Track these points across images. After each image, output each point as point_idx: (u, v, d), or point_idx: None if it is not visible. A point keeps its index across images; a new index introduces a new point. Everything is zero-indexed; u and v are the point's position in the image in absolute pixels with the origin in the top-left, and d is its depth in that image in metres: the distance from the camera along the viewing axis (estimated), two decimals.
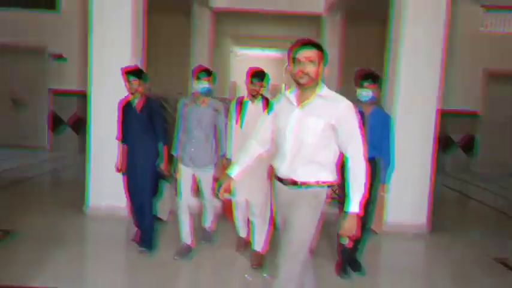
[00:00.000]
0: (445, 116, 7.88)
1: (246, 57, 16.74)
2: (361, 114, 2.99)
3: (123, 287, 2.93)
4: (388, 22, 4.67)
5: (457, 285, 3.19)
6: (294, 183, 2.07)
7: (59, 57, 7.86)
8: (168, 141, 3.49)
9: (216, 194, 2.30)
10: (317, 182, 2.05)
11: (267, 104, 3.24)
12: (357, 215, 1.97)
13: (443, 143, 8.26)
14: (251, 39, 12.35)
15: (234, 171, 2.24)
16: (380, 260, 3.81)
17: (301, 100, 2.06)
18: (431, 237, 4.28)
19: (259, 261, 3.30)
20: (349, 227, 1.97)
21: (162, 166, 3.44)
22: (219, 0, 8.56)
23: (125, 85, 3.34)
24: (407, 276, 3.40)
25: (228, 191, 2.24)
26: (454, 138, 8.26)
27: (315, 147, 2.02)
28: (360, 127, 2.93)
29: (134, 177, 3.43)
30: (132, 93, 3.35)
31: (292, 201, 2.10)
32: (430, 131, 4.39)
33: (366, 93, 3.10)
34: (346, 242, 2.09)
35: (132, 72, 3.32)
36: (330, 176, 2.09)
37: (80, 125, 8.04)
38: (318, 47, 2.01)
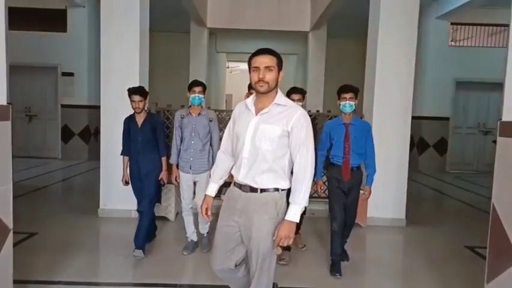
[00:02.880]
0: (420, 121, 8.18)
1: (239, 71, 16.87)
2: (345, 126, 3.12)
3: (136, 279, 3.02)
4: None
5: (431, 270, 3.33)
6: (253, 189, 1.93)
7: (69, 74, 7.97)
8: (169, 152, 3.52)
9: None
10: (276, 189, 1.93)
11: None
12: (295, 223, 1.86)
13: (417, 145, 8.50)
14: (245, 54, 12.47)
15: (211, 190, 2.14)
16: (365, 250, 3.97)
17: (259, 108, 1.94)
18: (409, 229, 4.45)
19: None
20: (286, 234, 1.84)
21: (162, 175, 3.47)
22: (215, 20, 8.73)
23: (130, 103, 3.36)
24: (388, 263, 3.57)
25: (208, 210, 2.11)
26: (428, 141, 8.48)
27: (272, 155, 1.89)
28: (346, 139, 3.10)
29: (139, 186, 3.46)
30: (136, 112, 3.39)
31: (250, 209, 1.94)
32: (405, 136, 4.55)
33: (349, 105, 3.11)
34: (279, 251, 1.94)
35: (136, 91, 3.35)
36: (287, 183, 1.96)
37: (89, 135, 8.16)
38: (275, 54, 1.91)
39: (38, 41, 7.79)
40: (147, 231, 3.43)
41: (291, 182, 1.96)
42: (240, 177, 1.95)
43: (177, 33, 9.90)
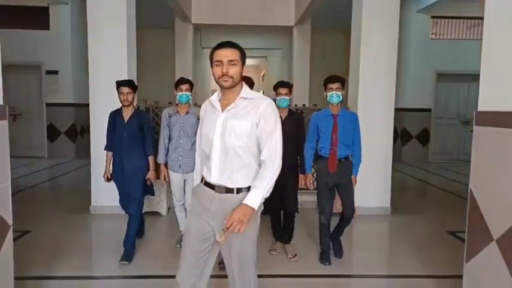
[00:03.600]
0: (403, 113, 8.40)
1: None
2: (333, 117, 3.13)
3: (130, 273, 3.08)
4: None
5: (415, 254, 3.51)
6: (228, 190, 1.82)
7: (54, 72, 7.90)
8: (155, 151, 3.44)
9: None
10: (249, 187, 1.81)
11: None
12: (252, 209, 1.74)
13: (401, 136, 8.74)
14: None
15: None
16: (352, 237, 4.12)
17: (225, 104, 1.85)
18: (394, 217, 4.63)
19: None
20: (240, 218, 1.70)
21: (149, 175, 3.33)
22: (200, 16, 8.74)
23: (118, 96, 3.25)
24: (375, 249, 3.74)
25: None
26: (411, 132, 8.72)
27: (244, 150, 1.80)
28: (334, 130, 3.09)
29: (122, 185, 3.34)
30: (124, 105, 3.26)
31: (226, 211, 1.77)
32: (389, 127, 4.72)
33: (337, 95, 3.08)
34: (222, 238, 1.74)
35: (125, 83, 3.25)
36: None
37: (75, 133, 8.12)
38: (238, 47, 1.82)
39: (21, 39, 7.68)
40: (136, 232, 3.40)
41: None
42: (213, 178, 1.83)
43: (162, 29, 9.86)
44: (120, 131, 3.27)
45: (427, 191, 6.51)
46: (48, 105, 8.02)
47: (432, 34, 8.64)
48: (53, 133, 8.12)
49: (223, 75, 1.77)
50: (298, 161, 3.38)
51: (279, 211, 3.52)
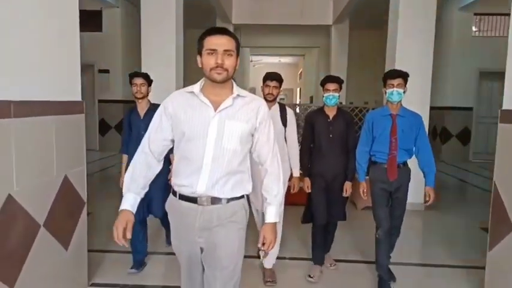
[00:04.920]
0: (443, 111, 8.36)
1: (262, 64, 17.22)
2: (391, 117, 2.72)
3: None
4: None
5: (445, 246, 3.67)
6: (216, 200, 1.58)
7: (105, 71, 8.58)
8: None
9: None
10: (242, 195, 1.66)
11: (283, 110, 2.96)
12: (276, 223, 1.66)
13: (440, 134, 8.69)
14: (267, 48, 12.86)
15: (132, 203, 1.63)
16: None
17: (214, 101, 1.57)
18: (427, 213, 4.76)
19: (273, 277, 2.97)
20: (270, 237, 1.62)
21: (172, 175, 3.09)
22: (240, 16, 9.13)
23: (132, 90, 3.06)
24: (407, 241, 3.91)
25: (128, 232, 1.60)
26: (451, 131, 8.64)
27: (240, 155, 1.59)
28: (392, 132, 2.66)
29: None
30: (137, 97, 3.05)
31: (213, 224, 1.60)
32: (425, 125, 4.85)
33: (397, 93, 2.67)
34: (263, 255, 1.69)
35: (138, 74, 3.08)
36: (251, 185, 1.70)
37: None
38: (234, 36, 1.57)
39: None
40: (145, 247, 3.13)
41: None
42: (201, 189, 1.55)
43: (203, 30, 10.32)
44: (137, 129, 3.00)
45: (464, 190, 6.52)
46: (100, 101, 8.72)
47: (476, 31, 8.51)
48: (104, 127, 8.81)
49: (217, 66, 1.51)
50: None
51: (326, 228, 3.10)
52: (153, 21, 4.89)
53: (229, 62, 1.53)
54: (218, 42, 1.52)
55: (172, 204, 1.70)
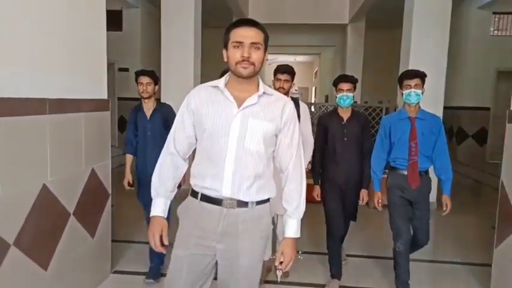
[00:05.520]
0: (459, 111, 8.33)
1: (278, 63, 17.26)
2: (410, 120, 2.57)
3: None
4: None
5: (455, 243, 3.74)
6: (242, 203, 1.49)
7: (125, 70, 8.84)
8: None
9: None
10: (268, 199, 1.56)
11: (297, 105, 2.76)
12: (297, 239, 1.55)
13: (456, 134, 8.65)
14: (283, 47, 12.94)
15: (163, 209, 1.58)
16: None
17: (239, 97, 1.48)
18: (438, 212, 4.79)
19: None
20: (290, 254, 1.51)
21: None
22: (256, 15, 9.22)
23: (138, 90, 2.96)
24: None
25: (165, 239, 1.55)
26: (467, 131, 8.60)
27: (263, 157, 1.50)
28: (412, 136, 2.51)
29: (147, 193, 2.91)
30: (143, 97, 2.94)
31: (239, 230, 1.50)
32: None
33: (415, 93, 2.52)
34: (280, 275, 1.52)
35: (145, 73, 2.96)
36: (275, 188, 1.59)
37: None
38: (262, 28, 1.47)
39: None
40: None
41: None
42: (226, 191, 1.47)
43: (220, 29, 10.50)
44: (143, 129, 2.92)
45: (479, 191, 6.52)
46: (119, 99, 8.98)
47: (495, 30, 8.43)
48: (123, 124, 9.07)
49: (243, 60, 1.42)
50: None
51: (343, 238, 3.03)
52: (173, 21, 5.09)
53: (256, 56, 1.43)
54: (245, 35, 1.42)
55: (189, 206, 1.57)
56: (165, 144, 1.62)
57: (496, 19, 8.41)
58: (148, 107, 2.96)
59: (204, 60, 5.59)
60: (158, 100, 3.08)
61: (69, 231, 2.36)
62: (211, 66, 10.66)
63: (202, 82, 4.73)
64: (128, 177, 3.02)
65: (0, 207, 1.82)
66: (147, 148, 2.90)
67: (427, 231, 2.66)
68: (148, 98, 2.93)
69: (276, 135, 1.53)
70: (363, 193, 2.82)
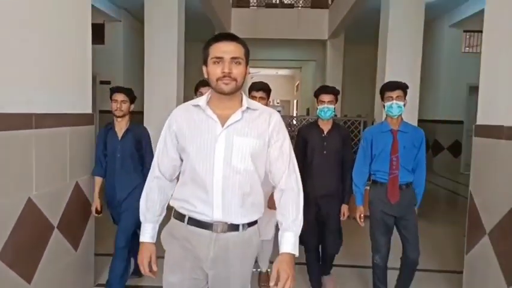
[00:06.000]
0: (434, 124, 8.65)
1: (259, 76, 17.54)
2: (392, 133, 2.53)
3: None
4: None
5: (431, 251, 3.89)
6: (233, 227, 1.44)
7: (107, 83, 8.83)
8: None
9: None
10: (256, 220, 1.51)
11: None
12: (294, 256, 1.42)
13: (432, 147, 8.96)
14: (265, 61, 13.17)
15: (151, 235, 1.56)
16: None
17: (221, 114, 1.43)
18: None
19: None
20: (287, 272, 1.35)
21: None
22: (238, 30, 9.43)
23: (111, 107, 2.78)
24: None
25: (154, 264, 1.54)
26: (442, 143, 8.92)
27: (252, 176, 1.45)
28: (393, 150, 2.46)
29: (117, 212, 2.77)
30: (116, 115, 2.75)
31: (230, 255, 1.46)
32: None
33: (397, 106, 2.48)
34: None
35: (120, 89, 2.79)
36: (263, 207, 1.55)
37: None
38: (242, 42, 1.43)
39: None
40: (124, 273, 2.79)
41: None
42: (217, 215, 1.42)
43: (201, 43, 10.62)
44: (113, 149, 2.73)
45: (455, 201, 6.77)
46: (101, 112, 8.94)
47: (466, 47, 8.85)
48: None
49: (224, 76, 1.38)
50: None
51: (317, 251, 2.96)
52: (156, 34, 5.18)
53: (237, 71, 1.40)
54: (225, 49, 1.39)
55: (174, 230, 1.50)
56: (151, 168, 1.58)
57: (467, 37, 8.84)
58: (121, 127, 2.77)
59: (185, 74, 5.68)
60: (133, 119, 2.89)
61: (53, 244, 2.38)
62: (192, 79, 10.88)
63: (185, 93, 4.85)
64: (96, 202, 2.77)
65: None
66: (115, 170, 2.72)
67: (416, 243, 2.60)
68: (122, 116, 2.75)
69: (266, 149, 1.48)
70: (344, 208, 2.78)
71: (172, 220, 1.53)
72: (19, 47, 2.08)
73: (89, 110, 2.83)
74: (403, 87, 2.53)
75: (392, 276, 2.82)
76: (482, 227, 2.56)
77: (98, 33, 8.70)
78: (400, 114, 2.52)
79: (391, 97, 2.50)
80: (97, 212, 2.78)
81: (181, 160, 1.53)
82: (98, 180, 2.80)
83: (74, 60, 2.64)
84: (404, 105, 2.51)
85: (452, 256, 3.83)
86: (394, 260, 2.80)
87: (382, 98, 2.58)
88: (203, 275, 1.50)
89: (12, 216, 2.04)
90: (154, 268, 1.53)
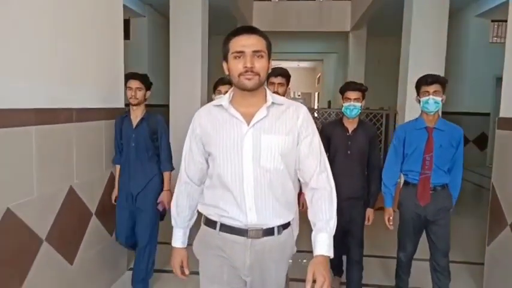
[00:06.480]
0: (460, 116, 8.50)
1: None
2: (427, 131, 2.36)
3: None
4: None
5: (454, 247, 3.89)
6: (267, 231, 1.38)
7: None
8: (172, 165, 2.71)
9: None
10: (290, 221, 1.45)
11: None
12: (329, 258, 1.33)
13: None
14: (287, 54, 13.18)
15: (182, 240, 1.55)
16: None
17: (245, 112, 1.36)
18: None
19: None
20: (323, 274, 1.26)
21: (162, 197, 2.66)
22: (260, 23, 9.48)
23: (126, 94, 2.71)
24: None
25: (186, 268, 1.55)
26: (468, 136, 8.77)
27: (284, 175, 1.38)
28: (427, 149, 2.27)
29: (124, 214, 2.70)
30: (131, 103, 2.65)
31: (266, 260, 1.41)
32: None
33: (434, 101, 2.29)
34: None
35: (135, 76, 2.65)
36: (297, 207, 1.53)
37: None
38: (263, 35, 1.35)
39: None
40: (149, 271, 2.75)
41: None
42: (251, 219, 1.36)
43: (222, 36, 10.76)
44: (127, 139, 2.64)
45: (479, 194, 6.69)
46: (126, 105, 9.23)
47: (494, 37, 8.64)
48: None
49: (246, 71, 1.31)
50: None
51: (339, 266, 2.95)
52: (181, 29, 5.31)
53: (260, 65, 1.32)
54: (246, 43, 1.31)
55: (207, 238, 1.45)
56: (179, 173, 1.54)
57: (495, 26, 8.62)
58: (136, 115, 2.66)
59: (211, 66, 5.81)
60: (156, 111, 2.85)
61: (91, 229, 2.57)
62: (215, 73, 11.03)
63: (209, 87, 4.98)
64: (115, 191, 2.76)
65: (35, 206, 2.03)
66: (130, 160, 2.63)
67: (446, 251, 2.46)
68: (137, 104, 2.64)
69: (296, 146, 1.40)
70: (369, 212, 2.59)
71: (203, 227, 1.48)
72: (60, 44, 2.24)
73: (122, 104, 3.01)
74: (441, 81, 2.31)
75: (416, 266, 2.80)
76: (504, 219, 2.60)
77: (124, 29, 8.91)
78: (437, 111, 2.33)
79: (428, 92, 2.30)
80: (116, 200, 2.77)
81: (208, 164, 1.47)
82: (119, 168, 2.76)
83: (108, 58, 2.81)
84: (442, 101, 2.31)
85: (476, 248, 3.85)
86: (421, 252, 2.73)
87: (418, 93, 2.37)
88: (242, 283, 1.45)
89: (57, 203, 2.22)
90: (187, 272, 1.53)
